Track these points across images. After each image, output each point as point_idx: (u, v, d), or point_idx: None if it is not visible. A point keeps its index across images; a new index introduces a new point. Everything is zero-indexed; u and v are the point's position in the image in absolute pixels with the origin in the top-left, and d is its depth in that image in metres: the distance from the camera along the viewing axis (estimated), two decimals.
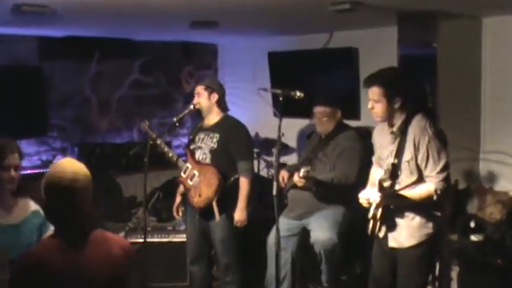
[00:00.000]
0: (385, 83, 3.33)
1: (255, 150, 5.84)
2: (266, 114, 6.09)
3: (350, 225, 4.36)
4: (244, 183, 4.35)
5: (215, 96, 4.44)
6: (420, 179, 3.32)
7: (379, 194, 3.27)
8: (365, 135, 4.44)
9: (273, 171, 6.13)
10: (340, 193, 4.27)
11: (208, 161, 4.38)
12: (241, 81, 7.32)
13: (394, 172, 3.34)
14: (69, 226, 2.36)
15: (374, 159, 3.70)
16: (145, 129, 4.67)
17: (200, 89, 4.45)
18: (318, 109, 4.51)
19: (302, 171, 3.94)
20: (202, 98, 4.42)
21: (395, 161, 3.35)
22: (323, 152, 4.44)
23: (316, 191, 4.23)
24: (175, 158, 4.49)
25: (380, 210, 3.34)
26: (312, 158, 4.45)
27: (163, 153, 4.53)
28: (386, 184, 3.31)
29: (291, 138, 6.20)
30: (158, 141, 4.49)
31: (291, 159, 6.03)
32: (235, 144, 4.36)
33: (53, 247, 2.32)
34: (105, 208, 5.83)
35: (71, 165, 2.40)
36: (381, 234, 3.48)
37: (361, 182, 3.86)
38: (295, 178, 4.09)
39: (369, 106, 3.40)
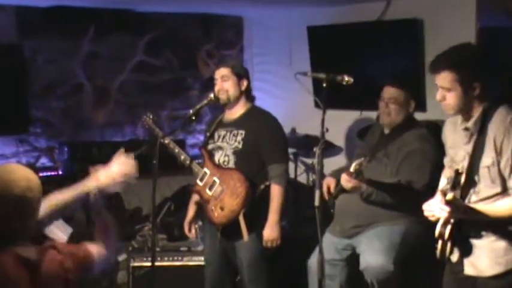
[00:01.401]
0: (459, 64, 3.26)
1: (291, 150, 5.80)
2: (305, 104, 6.05)
3: (412, 247, 4.31)
4: (276, 192, 4.32)
5: (245, 83, 4.43)
6: (505, 191, 3.25)
7: (447, 208, 3.20)
8: (434, 131, 4.37)
9: (314, 176, 6.10)
10: (402, 204, 4.21)
11: (231, 164, 4.36)
12: (273, 63, 7.30)
13: (464, 180, 3.26)
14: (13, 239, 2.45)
15: (446, 161, 3.63)
16: (148, 126, 4.68)
17: (226, 71, 4.43)
18: (389, 91, 4.41)
19: (353, 166, 3.88)
20: (230, 84, 4.41)
21: (465, 166, 3.27)
22: (384, 152, 4.36)
23: (369, 195, 4.16)
24: (188, 162, 4.48)
25: (449, 227, 3.28)
26: (368, 158, 4.37)
27: (173, 155, 4.53)
28: (450, 196, 3.22)
29: (337, 135, 6.14)
30: (166, 141, 4.49)
31: (338, 161, 5.98)
32: (266, 142, 4.34)
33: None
34: None
35: (22, 171, 2.50)
36: (454, 259, 3.41)
37: (430, 192, 3.80)
38: (343, 177, 4.03)
39: (438, 97, 3.32)
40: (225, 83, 4.40)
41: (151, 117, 4.68)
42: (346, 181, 4.04)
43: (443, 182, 3.30)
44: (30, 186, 2.45)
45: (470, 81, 3.25)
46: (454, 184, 3.23)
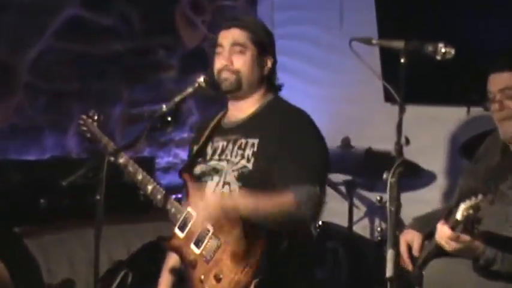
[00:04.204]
0: None
1: (343, 177, 5.85)
2: (367, 96, 6.10)
3: None
4: (288, 197, 4.23)
5: (269, 62, 4.49)
6: None
7: None
8: None
9: (384, 225, 6.13)
10: None
11: None
12: (310, 23, 7.38)
13: None
14: None
15: None
16: (90, 133, 4.73)
17: (243, 36, 4.47)
18: (500, 80, 4.45)
19: (461, 210, 3.85)
20: (246, 60, 4.45)
21: None
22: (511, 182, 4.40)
23: (490, 262, 4.15)
24: (160, 197, 4.51)
25: None
26: (484, 192, 4.35)
27: (132, 184, 4.59)
28: None
29: (425, 151, 6.18)
30: (122, 160, 4.57)
31: (428, 196, 6.02)
32: (287, 152, 4.30)
33: None
34: None
35: None
36: None
37: None
38: (442, 230, 4.00)
39: None
40: (238, 56, 4.44)
41: (95, 117, 4.74)
42: (447, 238, 4.00)
43: None
44: None
45: None
46: None
